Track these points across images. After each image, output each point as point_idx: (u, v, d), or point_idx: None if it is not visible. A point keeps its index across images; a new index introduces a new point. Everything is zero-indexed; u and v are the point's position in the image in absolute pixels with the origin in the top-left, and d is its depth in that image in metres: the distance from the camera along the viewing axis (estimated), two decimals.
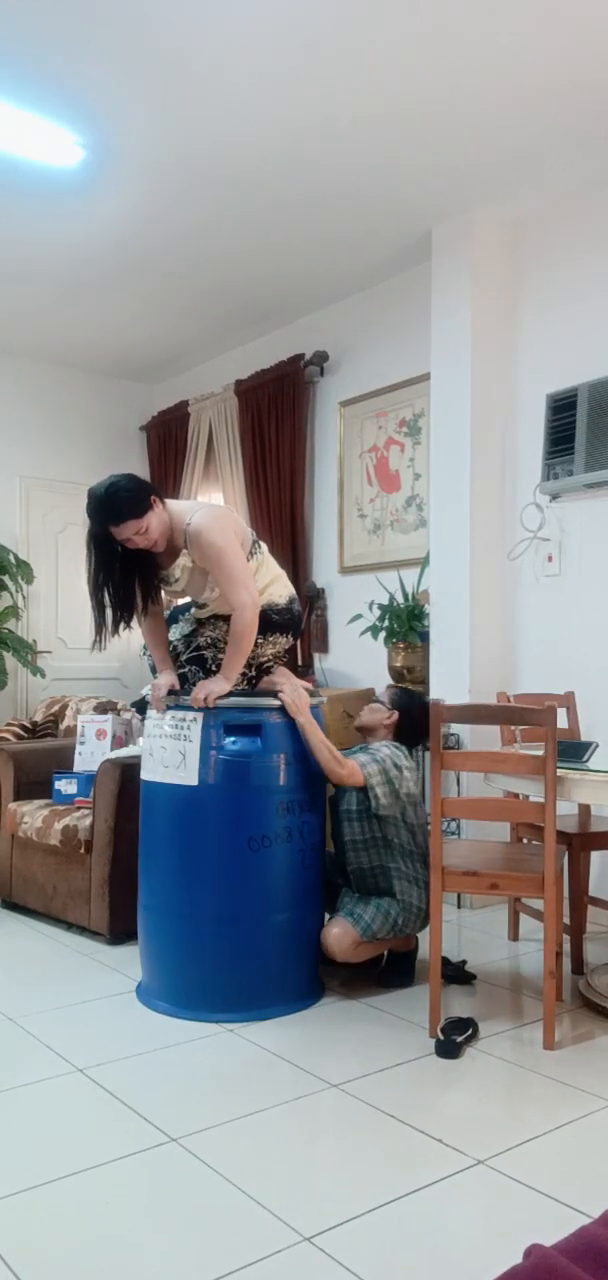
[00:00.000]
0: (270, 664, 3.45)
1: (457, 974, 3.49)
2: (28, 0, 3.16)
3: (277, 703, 3.22)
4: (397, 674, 5.00)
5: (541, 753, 2.92)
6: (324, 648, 5.88)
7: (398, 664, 5.00)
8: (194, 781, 3.14)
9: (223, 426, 6.50)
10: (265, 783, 3.16)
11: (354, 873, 3.40)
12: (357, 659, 5.58)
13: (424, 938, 3.62)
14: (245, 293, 5.66)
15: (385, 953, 3.55)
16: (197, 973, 3.15)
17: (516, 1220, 1.98)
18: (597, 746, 3.24)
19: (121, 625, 3.30)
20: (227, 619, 3.32)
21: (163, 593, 3.46)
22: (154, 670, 3.49)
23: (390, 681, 4.96)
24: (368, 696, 4.72)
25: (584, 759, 3.12)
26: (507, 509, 4.78)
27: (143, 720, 3.51)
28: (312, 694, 3.36)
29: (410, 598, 5.06)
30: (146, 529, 3.12)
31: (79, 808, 4.22)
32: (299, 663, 5.81)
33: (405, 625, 4.95)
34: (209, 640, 3.43)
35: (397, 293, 5.44)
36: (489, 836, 4.30)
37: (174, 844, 3.21)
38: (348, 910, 3.32)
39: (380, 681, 5.11)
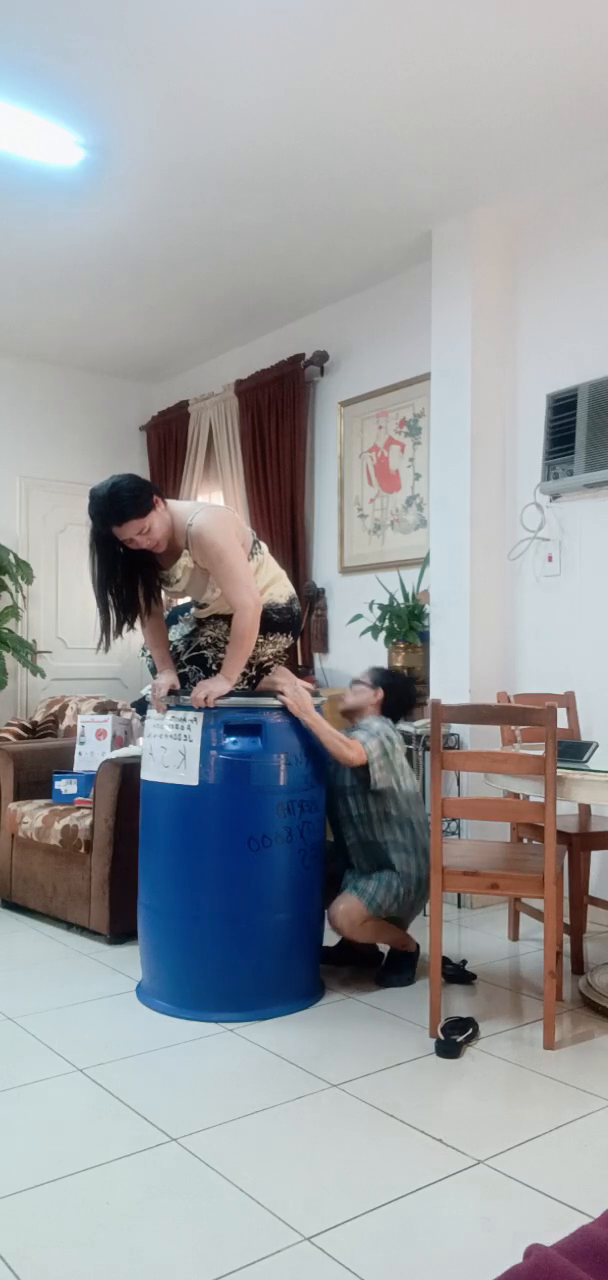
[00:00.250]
0: (271, 664, 3.45)
1: (457, 974, 3.49)
2: (28, 0, 3.16)
3: (277, 703, 3.22)
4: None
5: (541, 753, 2.92)
6: (324, 648, 5.88)
7: (398, 664, 5.00)
8: (194, 781, 3.14)
9: (223, 426, 6.50)
10: (266, 783, 3.16)
11: (353, 848, 3.44)
12: (357, 659, 5.58)
13: (424, 937, 3.62)
14: (245, 292, 5.66)
15: (385, 952, 3.56)
16: (197, 972, 3.15)
17: (516, 1220, 1.98)
18: (597, 746, 3.24)
19: (125, 626, 3.30)
20: (227, 619, 3.32)
21: (163, 593, 3.46)
22: (154, 670, 3.49)
23: None
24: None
25: (584, 759, 3.12)
26: (507, 509, 4.78)
27: (143, 720, 3.51)
28: (312, 694, 3.36)
29: (411, 598, 5.06)
30: (149, 529, 3.12)
31: (79, 807, 4.22)
32: (299, 663, 5.81)
33: (406, 625, 4.95)
34: (210, 640, 3.43)
35: (397, 293, 5.44)
36: (490, 836, 4.30)
37: (174, 844, 3.21)
38: (353, 886, 3.37)
39: None
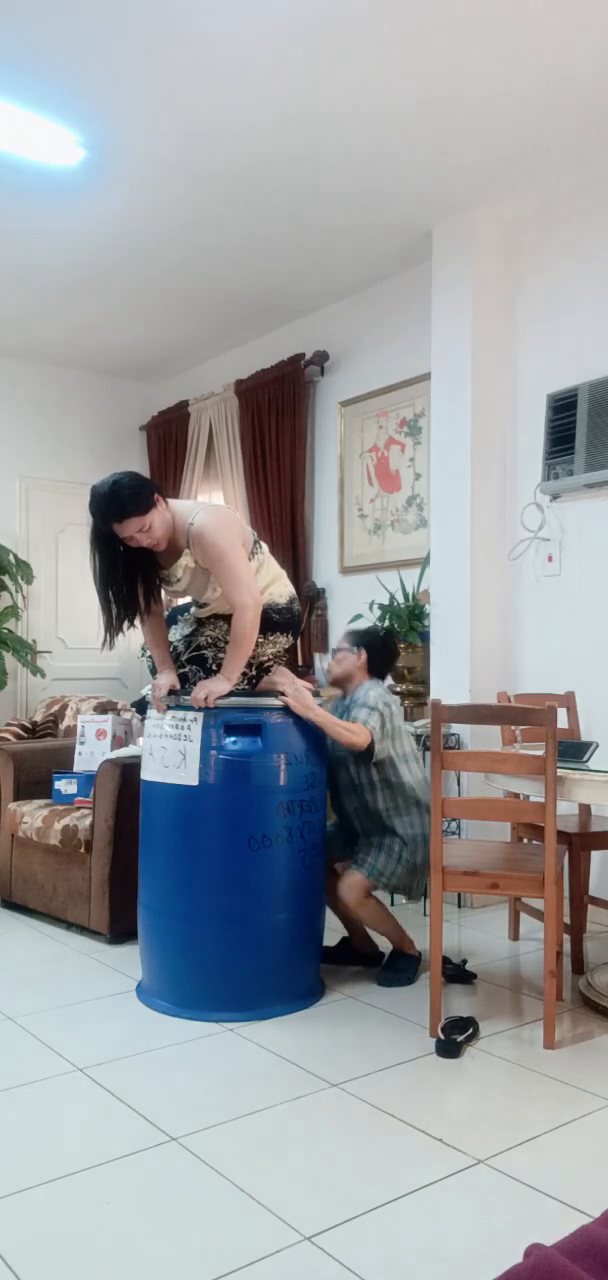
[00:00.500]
0: (271, 663, 3.45)
1: (457, 973, 3.49)
2: (28, 0, 3.16)
3: (277, 702, 3.23)
4: (397, 674, 5.00)
5: (541, 753, 2.92)
6: (324, 648, 5.87)
7: (399, 664, 5.00)
8: (194, 781, 3.14)
9: (223, 426, 6.50)
10: (266, 783, 3.16)
11: (356, 813, 3.48)
12: None
13: (425, 936, 3.62)
14: (246, 292, 5.66)
15: (387, 952, 3.56)
16: (197, 972, 3.15)
17: (516, 1219, 1.98)
18: (597, 746, 3.24)
19: (126, 624, 3.30)
20: (227, 618, 3.32)
21: (163, 593, 3.46)
22: (154, 671, 3.49)
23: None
24: None
25: (585, 759, 3.12)
26: (507, 509, 4.78)
27: (143, 720, 3.51)
28: (312, 694, 3.36)
29: (411, 598, 5.06)
30: (149, 526, 3.12)
31: (79, 807, 4.22)
32: (299, 663, 5.81)
33: (406, 625, 4.95)
34: (210, 640, 3.43)
35: (397, 292, 5.44)
36: (490, 836, 4.30)
37: (174, 844, 3.21)
38: (358, 862, 3.42)
39: None
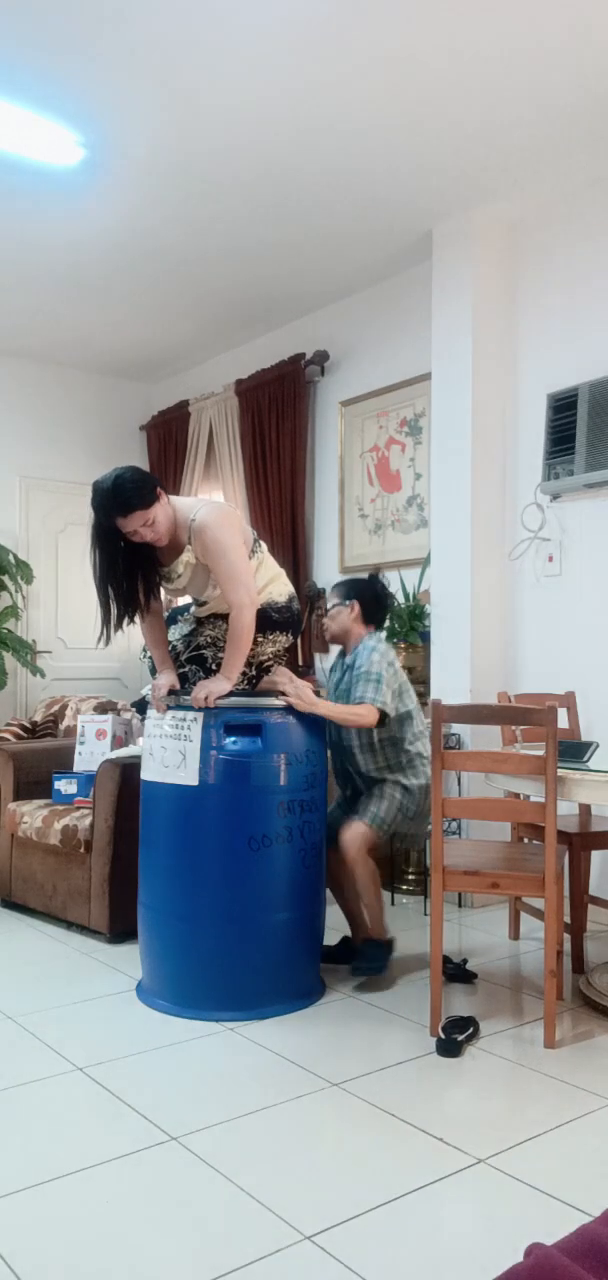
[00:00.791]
0: (271, 662, 3.45)
1: (458, 973, 3.49)
2: (28, 0, 3.17)
3: (278, 702, 3.22)
4: None
5: (541, 753, 2.92)
6: (325, 647, 5.87)
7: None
8: (194, 781, 3.14)
9: (223, 426, 6.50)
10: (266, 783, 3.16)
11: (357, 772, 3.50)
12: None
13: (425, 936, 3.62)
14: (246, 292, 5.66)
15: (360, 944, 3.54)
16: (197, 971, 3.15)
17: (516, 1219, 1.98)
18: (597, 746, 3.24)
19: (124, 621, 3.30)
20: (226, 618, 3.32)
21: (163, 592, 3.46)
22: (153, 671, 3.49)
23: None
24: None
25: (585, 759, 3.12)
26: (507, 509, 4.78)
27: (143, 720, 3.51)
28: (313, 694, 3.36)
29: (412, 598, 5.06)
30: (153, 520, 3.12)
31: (79, 807, 4.22)
32: (300, 662, 5.81)
33: (406, 625, 4.95)
34: (209, 640, 3.42)
35: (398, 292, 5.44)
36: (490, 836, 4.30)
37: (174, 844, 3.21)
38: (359, 812, 3.43)
39: None
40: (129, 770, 3.92)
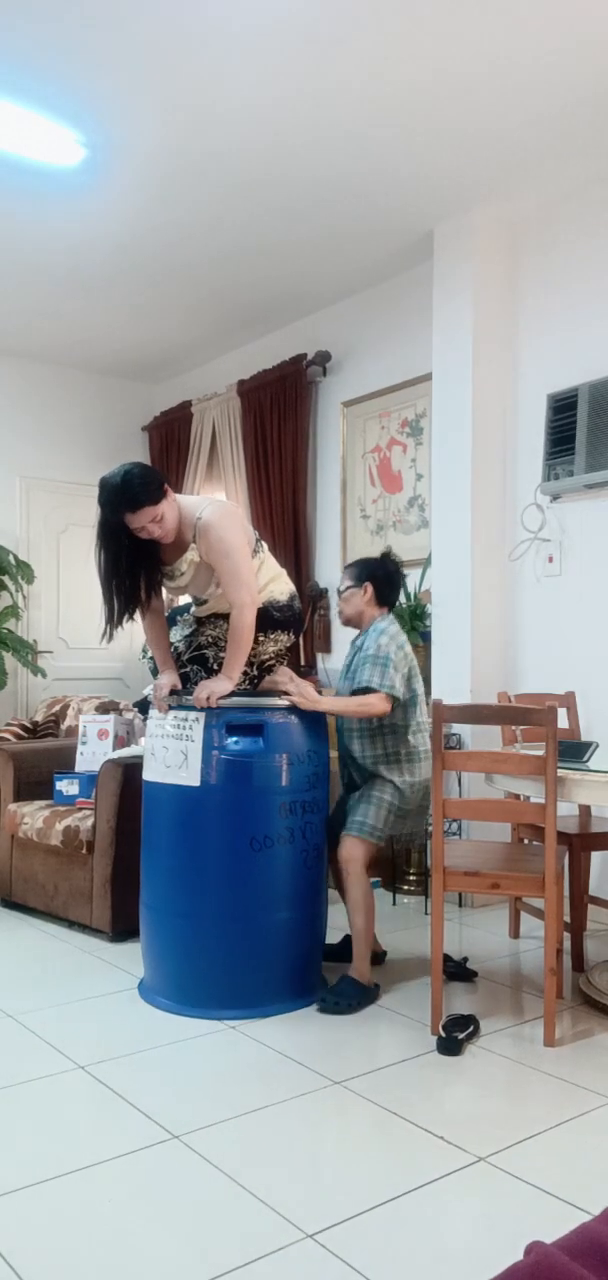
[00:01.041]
0: (272, 662, 3.46)
1: (458, 971, 3.50)
2: (29, 0, 3.17)
3: (280, 702, 3.23)
4: None
5: (541, 753, 2.92)
6: (327, 647, 5.88)
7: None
8: (196, 782, 3.15)
9: (226, 427, 6.51)
10: (268, 784, 3.16)
11: (359, 765, 3.39)
12: None
13: (426, 934, 3.62)
14: (248, 293, 5.66)
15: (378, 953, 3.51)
16: (199, 970, 3.16)
17: (516, 1217, 1.99)
18: (597, 747, 3.25)
19: (127, 618, 3.30)
20: (227, 617, 3.33)
21: (164, 592, 3.47)
22: (154, 672, 3.50)
23: None
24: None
25: (585, 759, 3.13)
26: (508, 509, 4.78)
27: (145, 720, 3.52)
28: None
29: (413, 598, 5.06)
30: (162, 516, 3.13)
31: (80, 808, 4.22)
32: (302, 662, 5.82)
33: (408, 625, 4.96)
34: (210, 639, 3.43)
35: (399, 293, 5.45)
36: (491, 836, 4.31)
37: (176, 845, 3.21)
38: (349, 825, 3.32)
39: None
40: (131, 770, 3.93)
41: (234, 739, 3.16)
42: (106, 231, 4.85)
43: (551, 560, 4.57)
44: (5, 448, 6.82)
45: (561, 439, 4.38)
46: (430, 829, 3.09)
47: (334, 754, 3.49)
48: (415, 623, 4.96)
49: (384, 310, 5.56)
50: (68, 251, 5.08)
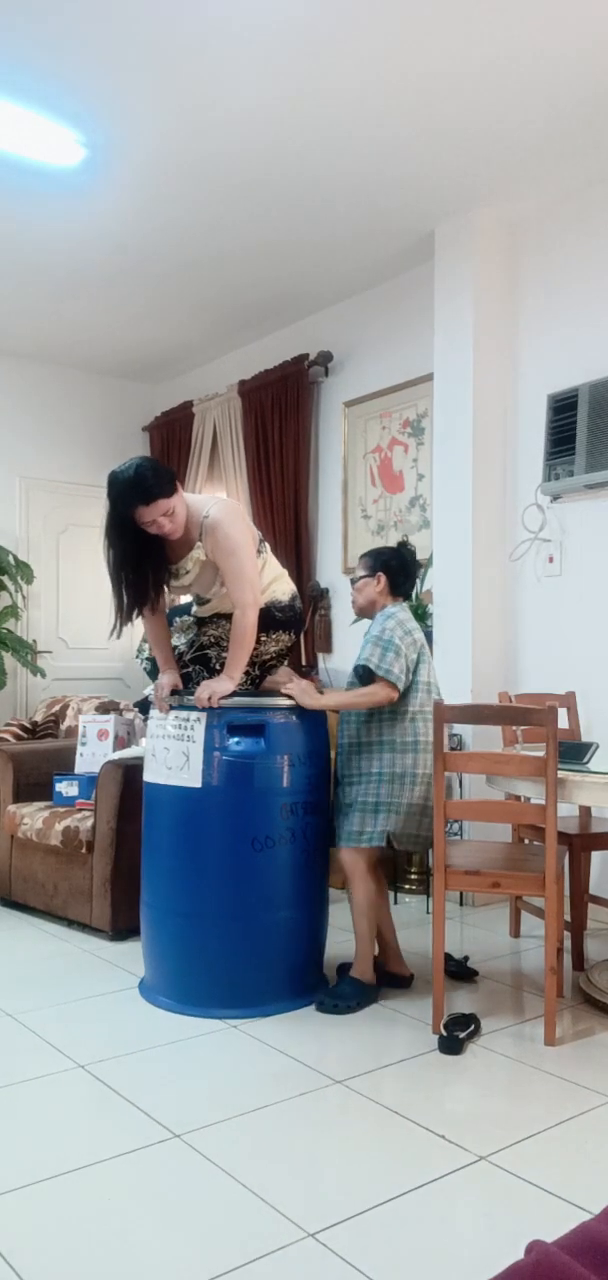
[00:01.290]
0: (274, 662, 3.46)
1: (459, 970, 3.50)
2: (29, 0, 3.18)
3: (283, 702, 3.22)
4: None
5: (542, 754, 2.93)
6: (328, 648, 5.88)
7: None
8: (197, 783, 3.15)
9: (227, 427, 6.51)
10: (269, 784, 3.16)
11: (345, 746, 3.31)
12: None
13: (427, 934, 3.62)
14: (249, 293, 5.66)
15: (409, 974, 3.44)
16: (200, 969, 3.16)
17: (517, 1216, 2.00)
18: (597, 747, 3.25)
19: (136, 613, 3.30)
20: (229, 617, 3.33)
21: (165, 591, 3.46)
22: (150, 673, 3.49)
23: None
24: None
25: (585, 760, 3.13)
26: (508, 510, 4.79)
27: (145, 720, 3.51)
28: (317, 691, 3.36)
29: (414, 598, 5.06)
30: (173, 510, 3.13)
31: (80, 809, 4.21)
32: (303, 663, 5.82)
33: None
34: (212, 639, 3.43)
35: (400, 293, 5.45)
36: (491, 835, 4.31)
37: (177, 846, 3.21)
38: (337, 837, 3.28)
39: None
40: (132, 771, 3.92)
41: (236, 739, 3.16)
42: (106, 231, 4.85)
43: (551, 560, 4.57)
44: (5, 448, 6.82)
45: (561, 439, 4.38)
46: (431, 836, 3.06)
47: (333, 755, 3.49)
48: (417, 622, 4.96)
49: (385, 310, 5.56)
50: (68, 251, 5.08)
